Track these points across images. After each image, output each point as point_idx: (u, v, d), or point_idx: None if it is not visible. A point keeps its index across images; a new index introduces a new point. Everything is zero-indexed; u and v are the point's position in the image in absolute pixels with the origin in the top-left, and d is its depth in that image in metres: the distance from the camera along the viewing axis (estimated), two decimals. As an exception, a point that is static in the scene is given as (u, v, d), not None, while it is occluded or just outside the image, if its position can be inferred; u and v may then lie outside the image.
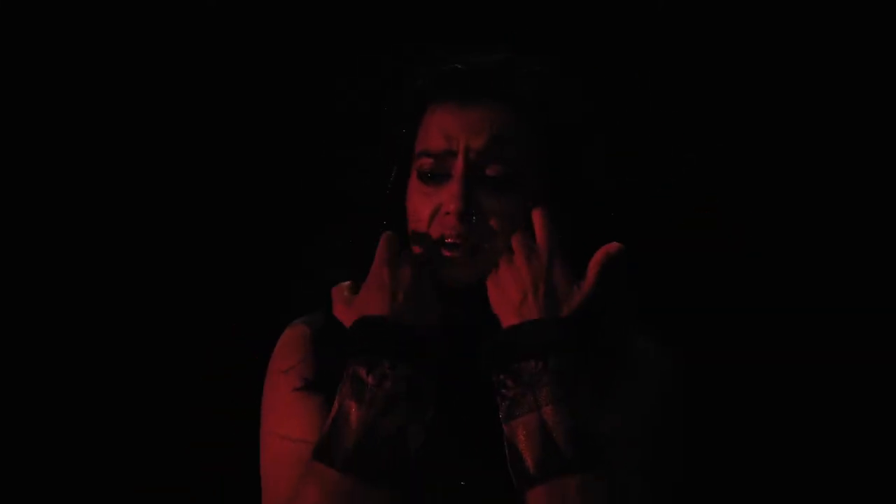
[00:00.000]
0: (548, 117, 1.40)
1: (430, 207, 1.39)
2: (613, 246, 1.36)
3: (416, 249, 1.40)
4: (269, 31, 2.15)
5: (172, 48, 2.14)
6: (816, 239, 2.07)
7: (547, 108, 1.40)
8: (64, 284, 2.13)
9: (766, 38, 2.07)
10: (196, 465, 2.13)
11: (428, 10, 2.10)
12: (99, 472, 2.13)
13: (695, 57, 2.08)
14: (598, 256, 1.36)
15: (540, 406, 1.28)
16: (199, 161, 2.15)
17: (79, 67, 2.13)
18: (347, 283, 1.40)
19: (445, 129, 1.38)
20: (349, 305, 1.37)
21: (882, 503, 2.05)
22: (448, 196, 1.37)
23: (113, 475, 2.13)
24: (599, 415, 1.30)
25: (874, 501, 2.05)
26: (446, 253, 1.37)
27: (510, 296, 1.35)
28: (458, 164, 1.37)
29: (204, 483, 2.13)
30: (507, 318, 1.34)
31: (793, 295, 2.07)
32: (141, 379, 2.14)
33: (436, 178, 1.39)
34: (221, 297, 2.15)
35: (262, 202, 2.16)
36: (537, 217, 1.37)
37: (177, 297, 2.15)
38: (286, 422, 1.39)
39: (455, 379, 1.35)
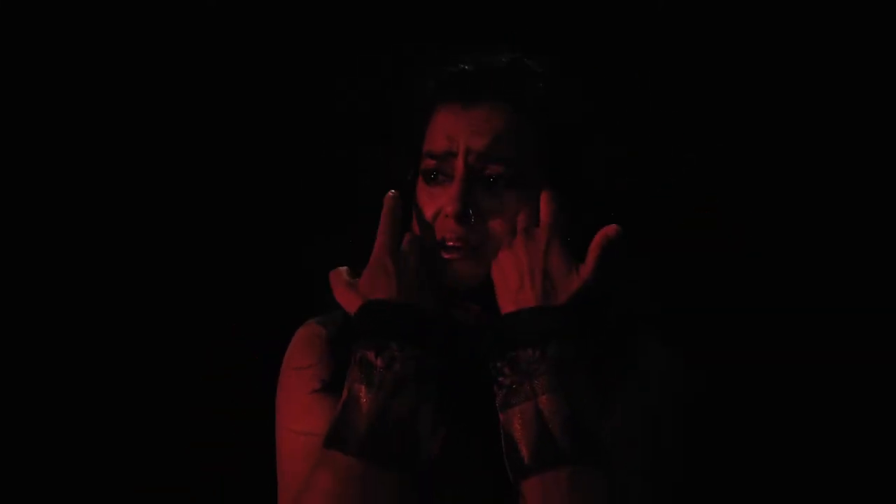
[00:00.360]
0: (550, 118, 1.40)
1: (434, 209, 1.39)
2: (612, 228, 1.35)
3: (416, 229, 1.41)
4: (268, 31, 2.15)
5: (172, 48, 2.14)
6: (816, 239, 2.07)
7: (550, 108, 1.40)
8: (65, 285, 2.13)
9: (766, 38, 2.07)
10: (196, 465, 2.13)
11: (428, 10, 2.10)
12: (99, 472, 2.13)
13: (695, 57, 2.08)
14: (598, 240, 1.35)
15: (536, 395, 1.28)
16: (198, 161, 2.15)
17: (79, 67, 2.13)
18: (345, 267, 1.39)
19: (447, 130, 1.38)
20: (351, 290, 1.36)
21: (882, 503, 2.05)
22: (447, 198, 1.37)
23: (113, 475, 2.13)
24: (599, 408, 1.30)
25: (874, 501, 2.05)
26: (446, 255, 1.37)
27: (509, 282, 1.34)
28: (458, 165, 1.37)
29: (204, 483, 2.13)
30: (506, 305, 1.34)
31: (793, 295, 2.07)
32: (141, 379, 2.14)
33: (439, 179, 1.39)
34: (221, 297, 2.15)
35: (260, 202, 2.16)
36: (544, 201, 1.37)
37: (177, 297, 2.15)
38: (302, 419, 1.39)
39: (457, 380, 1.35)
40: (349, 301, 1.36)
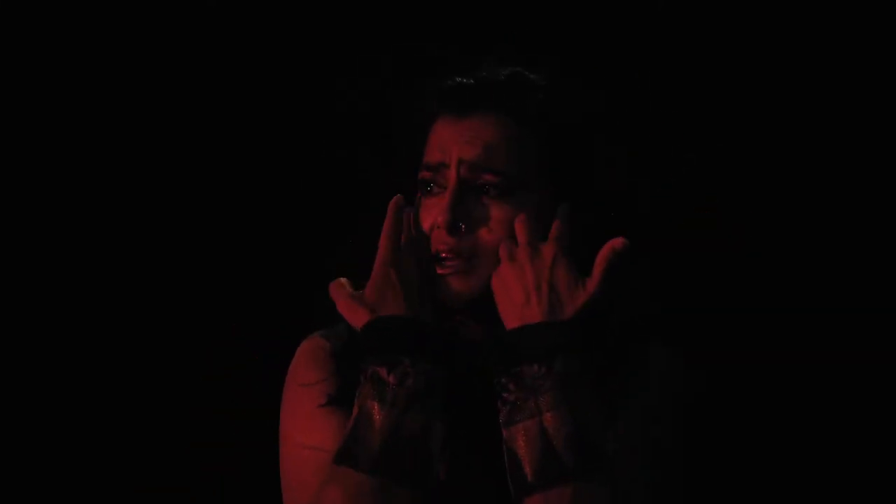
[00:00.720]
0: (551, 127, 1.39)
1: (430, 221, 1.38)
2: (619, 241, 1.34)
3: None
4: (269, 31, 2.15)
5: (172, 48, 2.14)
6: (816, 239, 2.07)
7: (550, 118, 1.40)
8: (65, 285, 2.13)
9: (766, 38, 2.07)
10: (196, 465, 2.13)
11: (429, 10, 2.09)
12: (99, 472, 2.13)
13: (695, 57, 2.08)
14: (604, 252, 1.34)
15: (541, 412, 1.27)
16: (197, 161, 2.15)
17: (79, 68, 2.13)
18: (345, 279, 1.38)
19: (441, 142, 1.38)
20: (357, 303, 1.35)
21: (882, 503, 2.05)
22: (439, 209, 1.37)
23: (113, 475, 2.13)
24: (603, 420, 1.29)
25: (874, 501, 2.05)
26: (440, 271, 1.37)
27: (513, 296, 1.33)
28: (450, 176, 1.37)
29: (204, 483, 2.13)
30: (511, 320, 1.33)
31: (793, 295, 2.07)
32: (142, 379, 2.14)
33: (434, 191, 1.39)
34: (221, 298, 2.15)
35: (260, 202, 2.16)
36: (561, 211, 1.37)
37: (177, 298, 2.15)
38: (310, 434, 1.38)
39: (459, 395, 1.34)
40: (356, 315, 1.35)
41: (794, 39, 2.07)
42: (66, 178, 2.14)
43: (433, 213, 1.38)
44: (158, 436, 2.13)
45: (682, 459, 1.37)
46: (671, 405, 1.38)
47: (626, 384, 1.36)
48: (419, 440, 1.28)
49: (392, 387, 1.29)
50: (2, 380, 2.12)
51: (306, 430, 1.38)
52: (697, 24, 2.08)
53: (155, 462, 2.13)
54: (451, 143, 1.37)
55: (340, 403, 1.36)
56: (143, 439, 2.13)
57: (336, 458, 1.29)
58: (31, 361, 2.12)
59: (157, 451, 2.13)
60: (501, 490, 1.30)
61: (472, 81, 1.41)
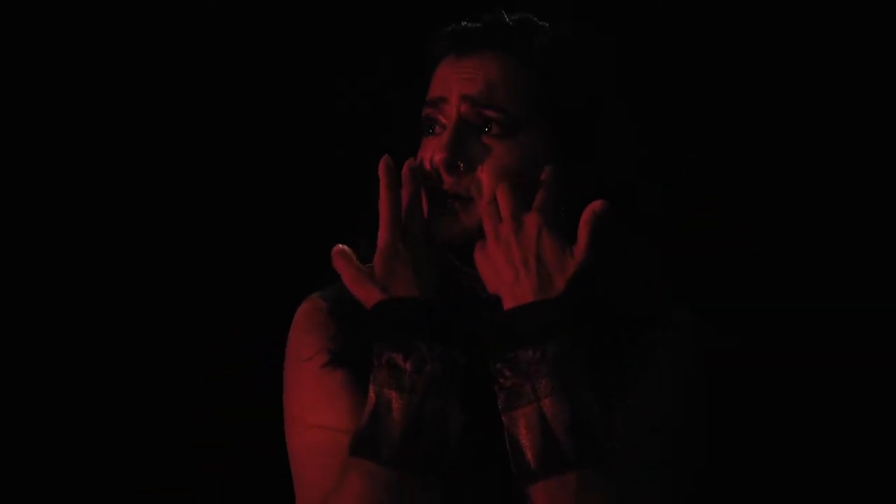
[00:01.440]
0: (555, 70, 1.35)
1: (429, 160, 1.34)
2: (598, 204, 1.30)
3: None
4: (269, 31, 2.15)
5: (172, 48, 2.14)
6: (816, 239, 2.07)
7: (554, 61, 1.36)
8: (65, 285, 2.13)
9: (767, 38, 2.07)
10: (196, 465, 2.13)
11: (428, 9, 2.09)
12: (99, 472, 2.13)
13: (694, 57, 2.08)
14: (586, 216, 1.30)
15: (539, 398, 1.25)
16: (198, 161, 2.16)
17: (79, 67, 2.13)
18: (347, 246, 1.33)
19: (443, 79, 1.36)
20: (366, 279, 1.30)
21: (882, 503, 2.05)
22: (437, 147, 1.34)
23: (113, 475, 2.13)
24: (604, 402, 1.26)
25: (874, 501, 2.06)
26: (438, 209, 1.33)
27: (502, 275, 1.30)
28: (450, 112, 1.34)
29: (204, 483, 2.13)
30: (503, 300, 1.29)
31: (793, 295, 2.07)
32: (142, 379, 2.14)
33: (436, 130, 1.36)
34: (221, 297, 2.15)
35: (260, 202, 2.16)
36: (545, 177, 1.33)
37: (177, 297, 2.15)
38: (316, 409, 1.33)
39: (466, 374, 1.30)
40: (366, 293, 1.29)
41: (794, 39, 2.07)
42: (67, 179, 2.14)
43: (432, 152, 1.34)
44: (158, 436, 2.13)
45: (702, 446, 1.35)
46: (692, 385, 1.35)
47: (638, 360, 1.33)
48: (439, 425, 1.25)
49: (409, 374, 1.25)
50: (2, 380, 2.12)
51: (313, 405, 1.33)
52: (697, 24, 2.08)
53: (155, 462, 2.13)
54: (453, 80, 1.34)
55: (343, 364, 1.32)
56: (143, 439, 2.13)
57: (352, 449, 1.25)
58: (31, 362, 2.13)
59: (157, 451, 2.13)
60: (505, 472, 1.27)
61: (477, 24, 1.38)
